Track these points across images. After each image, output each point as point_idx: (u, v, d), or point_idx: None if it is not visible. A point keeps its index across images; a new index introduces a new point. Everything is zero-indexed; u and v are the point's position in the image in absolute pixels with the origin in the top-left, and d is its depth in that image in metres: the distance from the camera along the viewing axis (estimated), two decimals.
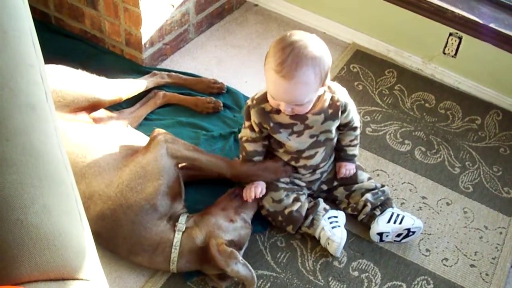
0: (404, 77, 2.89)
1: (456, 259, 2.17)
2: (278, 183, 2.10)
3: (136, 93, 2.44)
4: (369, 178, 2.22)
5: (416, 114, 2.70)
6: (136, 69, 2.68)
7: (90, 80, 2.23)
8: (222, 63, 2.86)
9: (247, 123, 2.05)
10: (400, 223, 2.09)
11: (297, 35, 1.80)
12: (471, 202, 2.36)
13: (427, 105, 2.76)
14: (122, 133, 2.17)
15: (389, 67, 2.94)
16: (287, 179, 2.12)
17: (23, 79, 1.24)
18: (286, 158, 2.09)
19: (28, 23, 1.31)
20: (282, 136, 2.00)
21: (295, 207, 2.07)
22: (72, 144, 1.97)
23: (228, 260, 1.87)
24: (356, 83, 2.82)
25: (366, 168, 2.33)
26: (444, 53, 2.84)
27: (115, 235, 1.90)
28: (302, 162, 2.08)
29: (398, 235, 2.13)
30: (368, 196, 2.15)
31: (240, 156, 2.13)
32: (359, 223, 2.19)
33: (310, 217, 2.08)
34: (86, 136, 2.02)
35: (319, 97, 1.92)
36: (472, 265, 2.15)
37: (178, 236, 1.90)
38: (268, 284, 2.01)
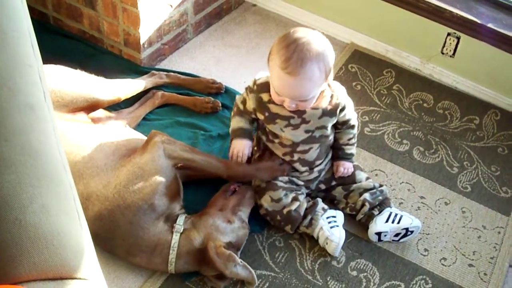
0: (402, 77, 2.90)
1: (455, 258, 2.17)
2: (276, 182, 2.10)
3: (134, 93, 2.44)
4: (367, 178, 2.22)
5: (414, 114, 2.71)
6: (134, 69, 2.68)
7: (88, 80, 2.23)
8: (220, 63, 2.86)
9: (244, 94, 2.09)
10: (398, 222, 2.10)
11: (301, 32, 1.84)
12: (470, 201, 2.37)
13: (425, 105, 2.77)
14: (121, 133, 2.17)
15: (387, 67, 2.94)
16: (286, 178, 2.12)
17: (21, 79, 1.25)
18: (280, 152, 2.10)
19: (27, 24, 1.32)
20: (275, 127, 2.01)
21: (293, 207, 2.07)
22: (70, 144, 1.97)
23: (226, 263, 1.87)
24: (354, 83, 2.82)
25: (364, 168, 2.33)
26: (442, 53, 2.84)
27: (113, 236, 1.90)
28: (296, 156, 2.09)
29: (397, 235, 2.13)
30: (367, 196, 2.15)
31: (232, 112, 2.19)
32: (357, 223, 2.19)
33: (309, 217, 2.08)
34: (84, 136, 2.02)
35: (320, 92, 1.94)
36: (470, 265, 2.16)
37: (176, 238, 1.90)
38: (267, 284, 2.01)
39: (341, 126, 2.11)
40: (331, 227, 2.06)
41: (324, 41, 1.85)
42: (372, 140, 2.56)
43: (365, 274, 2.08)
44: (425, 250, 2.18)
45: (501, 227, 2.29)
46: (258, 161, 2.14)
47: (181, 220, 1.95)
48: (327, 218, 2.08)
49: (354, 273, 2.08)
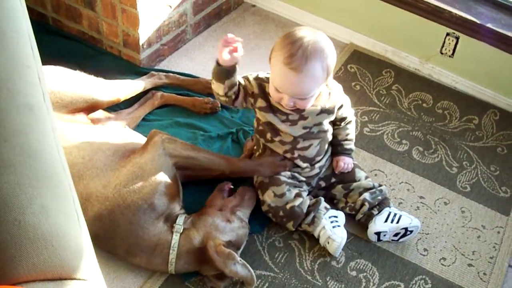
0: (402, 77, 2.90)
1: (454, 258, 2.17)
2: (280, 176, 2.11)
3: (134, 94, 2.44)
4: (366, 177, 2.22)
5: (414, 114, 2.71)
6: (134, 70, 2.68)
7: (88, 81, 2.23)
8: None
9: (245, 79, 2.03)
10: (397, 222, 2.10)
11: (306, 30, 1.86)
12: (469, 201, 2.37)
13: (424, 105, 2.77)
14: (120, 134, 2.17)
15: (387, 67, 2.94)
16: (288, 173, 2.13)
17: (21, 80, 1.25)
18: (281, 150, 2.10)
19: (26, 24, 1.32)
20: (274, 118, 2.02)
21: (297, 202, 2.08)
22: (70, 145, 1.97)
23: (226, 261, 1.87)
24: (353, 83, 2.82)
25: (363, 168, 2.33)
26: (442, 53, 2.85)
27: (112, 236, 1.90)
28: (296, 153, 2.10)
29: (396, 235, 2.13)
30: (366, 195, 2.15)
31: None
32: (357, 223, 2.20)
33: (312, 214, 2.08)
34: (84, 137, 2.03)
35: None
36: (470, 265, 2.16)
37: (176, 238, 1.90)
38: (266, 284, 2.01)
39: (340, 123, 2.14)
40: (333, 226, 2.06)
41: (328, 42, 1.88)
42: (371, 140, 2.56)
43: (364, 274, 2.08)
44: (425, 250, 2.18)
45: (500, 227, 2.30)
46: (260, 157, 2.15)
47: (180, 220, 1.95)
48: (329, 217, 2.08)
49: (354, 273, 2.08)
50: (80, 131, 2.05)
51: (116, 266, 1.99)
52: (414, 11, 2.79)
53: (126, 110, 2.45)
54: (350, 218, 2.19)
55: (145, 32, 2.62)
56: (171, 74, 2.64)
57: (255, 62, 2.85)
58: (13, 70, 1.24)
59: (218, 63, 1.93)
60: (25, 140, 1.21)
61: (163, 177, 1.93)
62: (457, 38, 2.76)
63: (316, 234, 2.10)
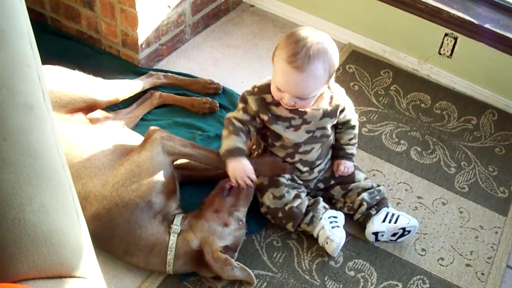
0: (400, 78, 2.90)
1: (452, 258, 2.18)
2: (279, 178, 2.11)
3: (132, 94, 2.44)
4: (365, 178, 2.23)
5: (412, 114, 2.71)
6: (132, 70, 2.68)
7: (86, 81, 2.23)
8: (218, 63, 2.86)
9: (240, 105, 2.02)
10: (395, 222, 2.10)
11: (310, 30, 1.87)
12: (467, 202, 2.37)
13: (422, 105, 2.77)
14: (119, 133, 2.17)
15: (385, 68, 2.95)
16: (288, 176, 2.13)
17: (20, 79, 1.25)
18: (282, 154, 2.10)
19: (26, 23, 1.32)
20: (279, 127, 2.01)
21: (295, 203, 2.08)
22: (69, 145, 1.97)
23: (223, 267, 1.88)
24: (352, 84, 2.83)
25: (362, 168, 2.34)
26: (440, 54, 2.85)
27: (111, 235, 1.90)
28: (297, 157, 2.09)
29: (394, 235, 2.14)
30: (365, 195, 2.15)
31: (223, 132, 2.03)
32: (355, 223, 2.20)
33: (310, 214, 2.08)
34: (82, 136, 2.02)
35: (320, 94, 1.95)
36: (468, 265, 2.16)
37: (173, 238, 1.90)
38: (265, 284, 2.01)
39: (342, 126, 2.13)
40: (332, 227, 2.06)
41: (332, 43, 1.88)
42: (369, 141, 2.56)
43: (362, 274, 2.09)
44: (423, 250, 2.19)
45: (498, 227, 2.30)
46: (260, 156, 2.15)
47: (178, 220, 1.94)
48: (329, 217, 2.08)
49: (352, 273, 2.08)
50: (78, 130, 2.05)
51: (114, 266, 1.99)
52: (412, 12, 2.79)
53: (124, 110, 2.45)
54: (348, 218, 2.18)
55: (143, 32, 2.62)
56: (170, 74, 2.64)
57: (253, 62, 2.86)
58: (13, 69, 1.24)
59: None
60: (24, 139, 1.21)
61: (160, 175, 1.93)
62: (456, 39, 2.76)
63: (315, 234, 2.11)
